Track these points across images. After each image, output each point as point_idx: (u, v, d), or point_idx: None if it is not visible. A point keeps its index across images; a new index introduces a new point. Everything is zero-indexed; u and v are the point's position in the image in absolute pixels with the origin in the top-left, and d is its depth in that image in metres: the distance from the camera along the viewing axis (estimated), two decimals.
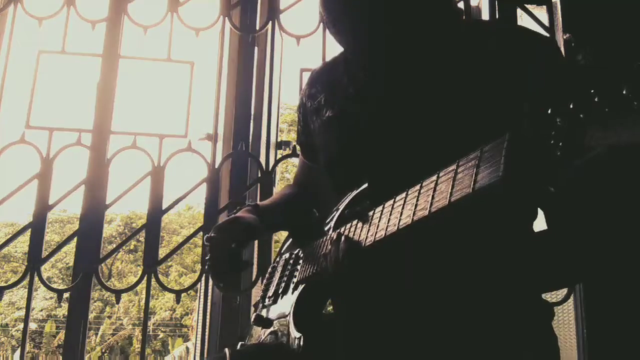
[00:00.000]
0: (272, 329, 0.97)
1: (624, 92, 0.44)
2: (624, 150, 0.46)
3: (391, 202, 0.75)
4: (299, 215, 1.15)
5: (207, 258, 1.03)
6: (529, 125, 0.52)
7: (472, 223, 0.81)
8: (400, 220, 0.70)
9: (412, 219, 0.68)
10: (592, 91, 0.45)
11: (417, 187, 0.69)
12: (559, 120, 0.48)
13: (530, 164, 0.52)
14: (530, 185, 0.56)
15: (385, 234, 0.73)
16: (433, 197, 0.65)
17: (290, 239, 1.16)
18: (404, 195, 0.72)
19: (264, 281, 1.15)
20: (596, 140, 0.46)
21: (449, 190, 0.62)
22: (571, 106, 0.47)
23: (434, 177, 0.66)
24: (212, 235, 1.02)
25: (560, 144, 0.48)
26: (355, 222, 0.83)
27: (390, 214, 0.73)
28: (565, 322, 1.91)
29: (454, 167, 0.63)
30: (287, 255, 1.10)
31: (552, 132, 0.49)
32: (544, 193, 0.56)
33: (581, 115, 0.46)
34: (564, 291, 1.82)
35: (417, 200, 0.68)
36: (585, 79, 0.46)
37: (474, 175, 0.58)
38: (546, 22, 2.04)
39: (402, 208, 0.71)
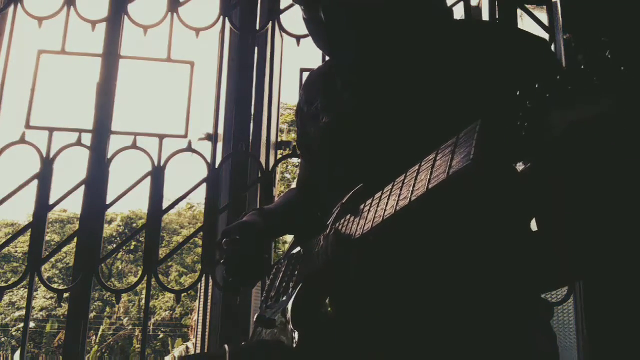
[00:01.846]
0: (273, 328, 0.98)
1: (582, 67, 0.45)
2: (583, 126, 0.47)
3: (379, 193, 0.76)
4: (302, 218, 1.15)
5: (222, 261, 1.03)
6: (500, 108, 0.53)
7: (466, 217, 0.82)
8: (385, 211, 0.71)
9: (395, 209, 0.69)
10: (557, 70, 0.46)
11: (402, 177, 0.71)
12: (528, 102, 0.50)
13: (499, 145, 0.54)
14: (499, 166, 0.57)
15: (371, 225, 0.74)
16: (414, 186, 0.66)
17: (296, 242, 1.16)
18: (390, 186, 0.73)
19: (267, 281, 1.15)
20: (560, 118, 0.47)
21: (428, 178, 0.63)
22: (537, 86, 0.49)
23: (416, 167, 0.68)
24: (226, 240, 1.02)
25: (525, 123, 0.50)
26: (348, 216, 0.84)
27: (378, 206, 0.74)
28: (565, 322, 1.91)
29: (433, 155, 0.65)
30: (289, 256, 1.10)
31: (520, 113, 0.50)
32: (513, 174, 0.57)
33: (547, 95, 0.48)
34: (564, 291, 1.82)
35: (401, 190, 0.69)
36: (551, 59, 0.47)
37: (449, 161, 0.60)
38: (546, 22, 2.04)
39: (388, 199, 0.72)
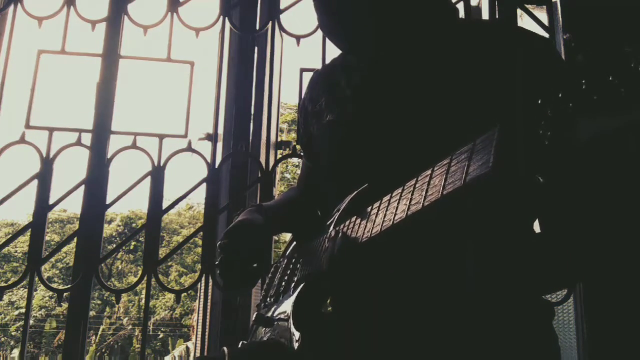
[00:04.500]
0: (272, 328, 0.98)
1: (611, 78, 0.44)
2: (609, 137, 0.46)
3: (388, 197, 0.74)
4: (302, 216, 1.15)
5: (217, 263, 1.02)
6: (521, 116, 0.52)
7: (472, 220, 0.81)
8: (395, 215, 0.70)
9: (407, 214, 0.67)
10: (582, 80, 0.45)
11: (413, 181, 0.69)
12: (549, 110, 0.49)
13: (520, 154, 0.53)
14: (519, 175, 0.56)
15: (380, 229, 0.72)
16: (427, 191, 0.65)
17: (294, 241, 1.16)
18: (400, 190, 0.72)
19: (266, 281, 1.15)
20: (584, 128, 0.46)
21: (442, 184, 0.62)
22: (560, 95, 0.48)
23: (429, 171, 0.66)
24: (225, 242, 1.00)
25: (549, 133, 0.49)
26: (354, 218, 0.83)
27: (387, 210, 0.73)
28: (565, 322, 1.91)
29: (447, 160, 0.63)
30: (289, 255, 1.10)
31: (542, 121, 0.49)
32: (534, 184, 0.56)
33: (570, 104, 0.47)
34: (564, 291, 1.82)
35: (412, 195, 0.68)
36: (575, 68, 0.46)
37: (466, 168, 0.58)
38: (546, 22, 2.04)
39: (398, 203, 0.71)
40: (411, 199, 0.67)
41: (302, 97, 1.18)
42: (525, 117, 0.51)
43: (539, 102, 0.50)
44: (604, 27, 1.82)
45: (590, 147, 0.47)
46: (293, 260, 1.04)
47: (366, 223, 0.77)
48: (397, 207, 0.70)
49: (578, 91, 0.46)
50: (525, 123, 0.51)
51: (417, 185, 0.68)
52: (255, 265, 1.01)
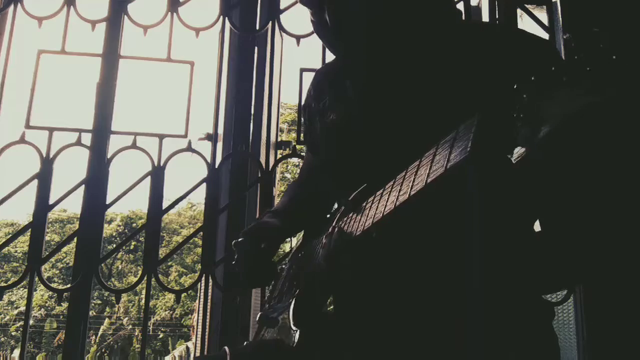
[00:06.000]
0: (274, 327, 0.98)
1: (576, 57, 0.45)
2: (577, 116, 0.47)
3: (381, 191, 0.76)
4: (309, 214, 1.16)
5: (233, 262, 1.05)
6: (498, 102, 0.54)
7: (471, 217, 0.81)
8: (385, 207, 0.72)
9: (395, 205, 0.69)
10: (553, 63, 0.47)
11: (403, 173, 0.71)
12: (525, 95, 0.51)
13: (496, 138, 0.55)
14: (495, 158, 0.57)
15: (372, 221, 0.74)
16: (414, 181, 0.67)
17: (301, 241, 1.16)
18: (391, 183, 0.74)
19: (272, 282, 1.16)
20: (555, 109, 0.48)
21: (427, 172, 0.64)
22: (532, 78, 0.49)
23: (417, 162, 0.68)
24: (241, 240, 1.03)
25: (521, 115, 0.51)
26: (350, 214, 0.84)
27: (379, 202, 0.75)
28: (565, 322, 1.91)
29: (434, 150, 0.65)
30: (292, 256, 1.11)
31: (517, 105, 0.51)
32: (507, 165, 0.58)
33: (541, 86, 0.48)
34: (564, 291, 1.82)
35: (401, 186, 0.70)
36: (548, 53, 0.48)
37: (448, 155, 0.61)
38: (546, 22, 2.04)
39: (389, 195, 0.72)
40: (400, 190, 0.69)
41: (306, 94, 1.19)
42: (502, 102, 0.53)
43: (515, 87, 0.51)
44: (604, 26, 1.82)
45: (561, 128, 0.48)
46: (297, 259, 1.05)
47: (360, 217, 0.79)
48: (387, 199, 0.72)
49: (548, 73, 0.47)
50: (501, 108, 0.53)
51: (405, 177, 0.70)
52: (269, 265, 1.03)
